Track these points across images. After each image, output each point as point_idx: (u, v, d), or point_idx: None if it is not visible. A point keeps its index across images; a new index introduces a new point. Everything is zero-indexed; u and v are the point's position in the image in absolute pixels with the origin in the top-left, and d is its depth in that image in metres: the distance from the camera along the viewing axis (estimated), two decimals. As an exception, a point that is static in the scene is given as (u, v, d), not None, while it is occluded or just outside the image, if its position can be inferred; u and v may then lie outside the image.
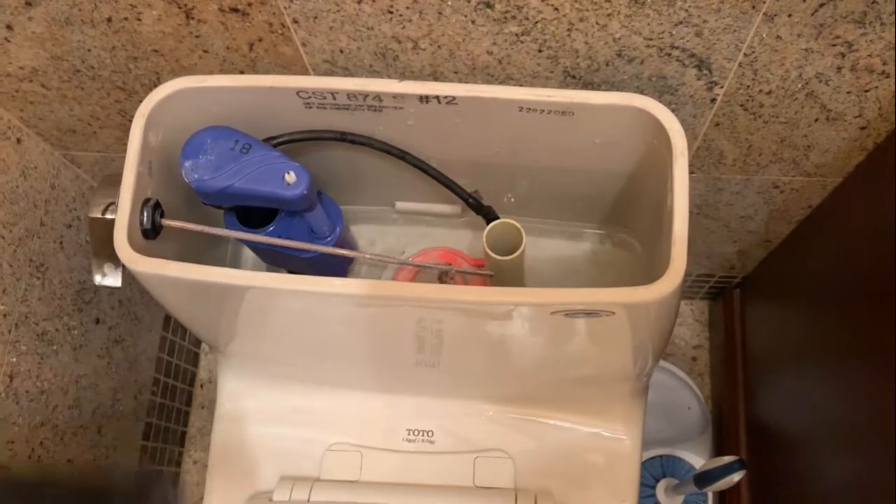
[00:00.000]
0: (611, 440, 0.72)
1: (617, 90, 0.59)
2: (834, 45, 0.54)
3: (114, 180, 0.56)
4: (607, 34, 0.54)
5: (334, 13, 0.54)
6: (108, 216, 0.57)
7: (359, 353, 0.69)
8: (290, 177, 0.56)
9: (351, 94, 0.56)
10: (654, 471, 0.92)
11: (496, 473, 0.72)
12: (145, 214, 0.55)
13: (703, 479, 0.70)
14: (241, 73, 0.62)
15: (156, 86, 0.56)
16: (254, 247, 0.66)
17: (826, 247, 0.80)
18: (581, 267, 0.75)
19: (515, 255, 0.60)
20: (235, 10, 0.55)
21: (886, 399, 0.62)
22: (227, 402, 0.76)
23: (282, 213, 0.63)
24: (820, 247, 0.82)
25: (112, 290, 0.86)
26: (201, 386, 1.16)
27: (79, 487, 0.87)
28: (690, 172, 0.74)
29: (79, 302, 0.85)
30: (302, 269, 0.66)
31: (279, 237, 0.60)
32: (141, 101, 0.55)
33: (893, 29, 0.52)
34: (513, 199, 0.67)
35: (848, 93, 0.59)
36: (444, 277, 0.70)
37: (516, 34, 0.55)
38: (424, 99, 0.55)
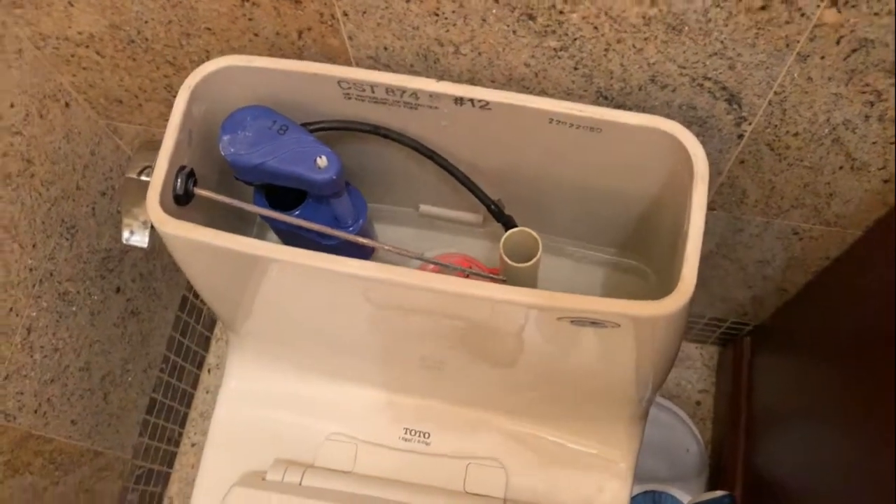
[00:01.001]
0: (606, 463, 0.73)
1: (647, 115, 0.61)
2: (863, 93, 0.55)
3: (153, 146, 0.58)
4: (643, 58, 0.56)
5: (383, 10, 0.56)
6: (144, 178, 0.59)
7: (368, 346, 0.70)
8: (322, 161, 0.58)
9: (389, 89, 0.58)
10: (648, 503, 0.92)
11: (487, 482, 0.73)
12: (179, 180, 0.57)
13: (694, 511, 0.71)
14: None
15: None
16: (278, 228, 0.68)
17: (840, 303, 0.81)
18: (592, 290, 0.76)
19: (531, 262, 0.61)
20: (290, -3, 0.57)
21: (887, 463, 0.62)
22: (233, 380, 0.77)
23: (309, 199, 0.65)
24: (834, 302, 0.82)
25: (138, 250, 0.88)
26: (209, 371, 1.18)
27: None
28: (711, 209, 0.75)
29: (102, 269, 0.87)
30: (322, 256, 0.68)
31: (305, 221, 0.62)
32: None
33: (923, 82, 0.53)
34: (532, 212, 0.68)
35: (874, 143, 0.60)
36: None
37: (555, 49, 0.57)
38: (459, 101, 0.57)
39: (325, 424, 0.76)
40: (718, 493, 0.69)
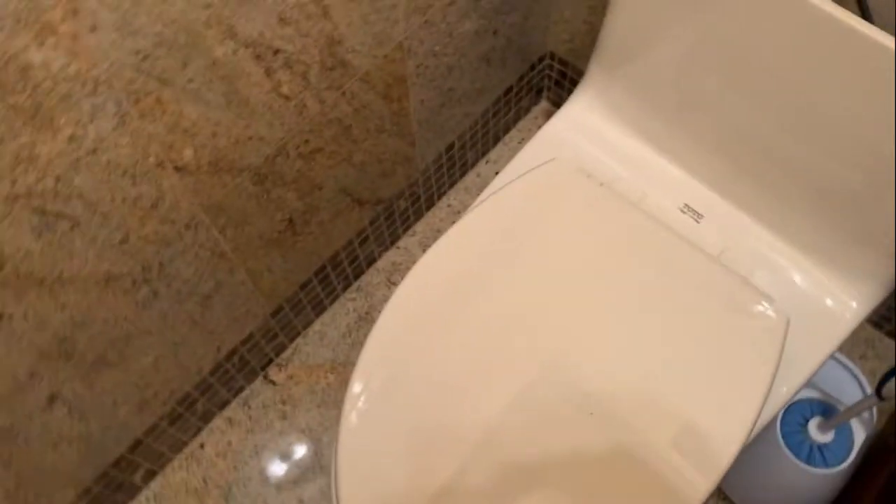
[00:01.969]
0: (838, 298, 0.83)
1: None
2: None
3: None
4: None
5: None
6: None
7: (701, 119, 0.85)
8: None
9: None
10: (815, 410, 1.00)
11: (736, 265, 0.85)
12: None
13: (889, 373, 0.79)
14: None
15: None
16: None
17: None
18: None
19: None
20: None
21: None
22: (577, 104, 0.95)
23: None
24: None
25: None
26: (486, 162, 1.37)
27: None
28: None
29: (499, 8, 1.08)
30: None
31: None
32: None
33: None
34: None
35: None
36: None
37: None
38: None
39: (627, 173, 0.92)
40: None
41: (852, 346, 1.23)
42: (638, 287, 0.82)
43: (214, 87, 0.74)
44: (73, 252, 0.73)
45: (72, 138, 0.64)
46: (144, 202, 0.76)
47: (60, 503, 0.98)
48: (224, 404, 1.19)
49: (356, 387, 0.76)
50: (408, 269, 0.81)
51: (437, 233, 1.31)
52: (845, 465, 0.97)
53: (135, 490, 1.13)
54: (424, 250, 0.82)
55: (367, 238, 1.21)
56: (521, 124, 1.41)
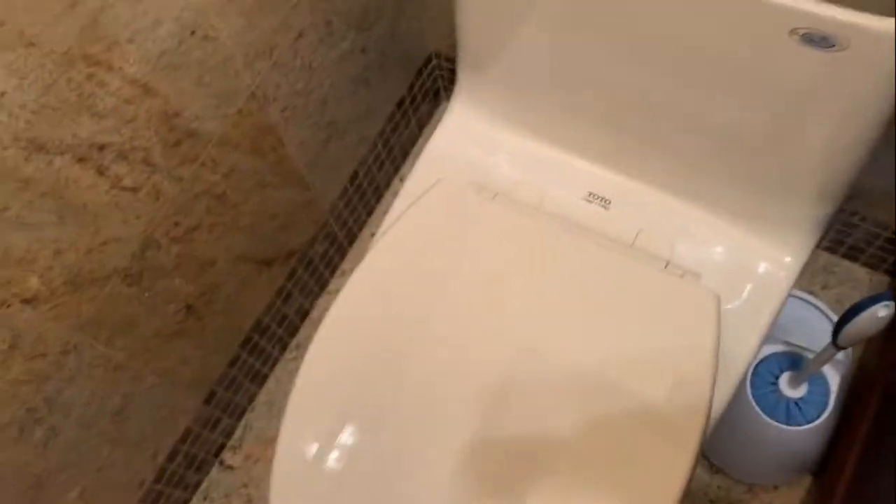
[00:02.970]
0: (770, 257, 0.77)
1: None
2: None
3: None
4: None
5: None
6: None
7: (583, 100, 0.78)
8: None
9: None
10: (784, 365, 0.94)
11: (655, 247, 0.79)
12: None
13: (845, 319, 0.73)
14: None
15: None
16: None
17: None
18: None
19: None
20: None
21: None
22: (454, 116, 0.88)
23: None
24: None
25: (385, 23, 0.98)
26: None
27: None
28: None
29: (359, 23, 1.00)
30: None
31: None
32: None
33: None
34: None
35: None
36: None
37: None
38: None
39: (522, 174, 0.85)
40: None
41: (812, 278, 1.17)
42: (559, 295, 0.75)
43: (37, 206, 0.66)
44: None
45: None
46: (1, 346, 0.69)
47: None
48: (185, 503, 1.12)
49: (282, 463, 0.69)
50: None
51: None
52: (822, 417, 0.91)
53: None
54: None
55: (290, 294, 1.14)
56: (427, 131, 1.34)
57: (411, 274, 0.77)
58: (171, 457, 1.03)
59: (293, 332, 1.20)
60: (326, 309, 0.76)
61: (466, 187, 0.80)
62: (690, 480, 0.66)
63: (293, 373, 1.16)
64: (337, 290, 1.22)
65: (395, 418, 0.71)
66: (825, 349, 0.81)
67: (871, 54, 0.57)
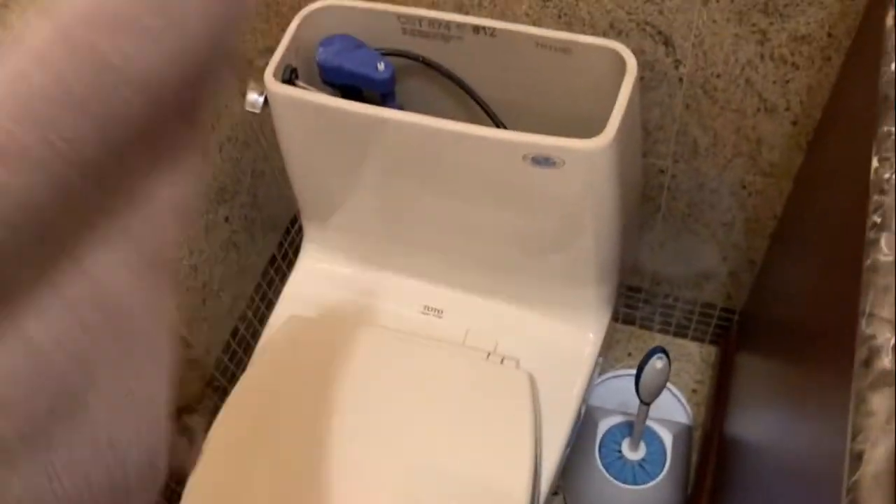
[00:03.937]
0: (574, 336, 0.93)
1: (610, 57, 0.86)
2: (753, 33, 0.79)
3: (272, 50, 0.88)
4: (601, 6, 0.82)
5: (432, -30, 0.86)
6: (264, 64, 0.88)
7: (410, 234, 0.94)
8: (381, 66, 0.86)
9: (431, 22, 0.86)
10: (626, 433, 1.08)
11: (481, 342, 0.93)
12: (286, 71, 0.86)
13: (636, 380, 0.88)
14: (369, 16, 0.94)
15: (314, 1, 0.89)
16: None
17: (786, 271, 0.97)
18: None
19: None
20: (373, -38, 0.88)
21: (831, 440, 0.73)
22: (306, 259, 1.03)
23: (372, 112, 0.92)
24: (781, 272, 0.99)
25: (245, 196, 1.14)
26: (283, 326, 1.42)
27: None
28: (675, 161, 0.98)
29: (218, 198, 1.16)
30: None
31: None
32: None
33: (792, 20, 0.77)
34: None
35: (774, 82, 0.83)
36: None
37: (543, 0, 0.84)
38: (476, 29, 0.84)
39: (367, 299, 1.00)
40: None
41: (653, 358, 1.33)
42: (396, 393, 0.88)
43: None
44: None
45: None
46: None
47: None
48: None
49: None
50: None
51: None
52: (661, 474, 1.04)
53: None
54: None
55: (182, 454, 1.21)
56: (302, 282, 1.48)
57: (268, 403, 0.88)
58: None
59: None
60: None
61: (313, 318, 0.94)
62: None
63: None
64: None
65: None
66: (638, 408, 0.95)
67: (580, 165, 0.76)
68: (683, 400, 1.22)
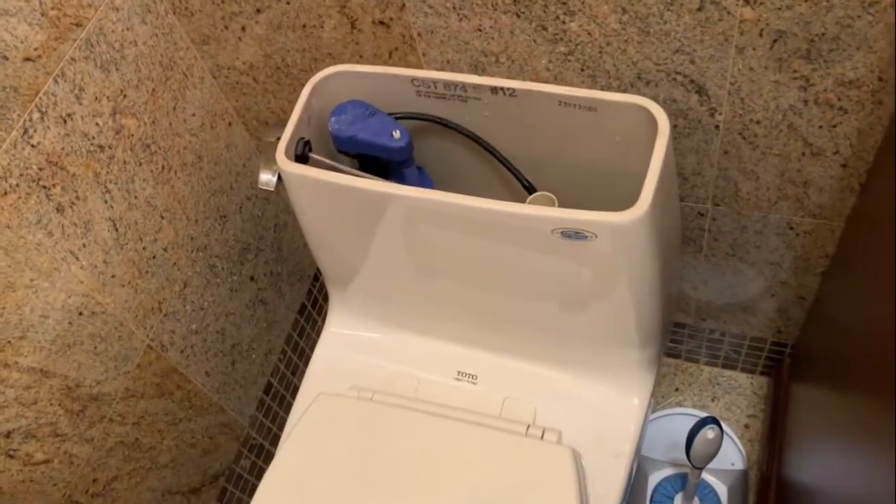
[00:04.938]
0: (618, 402, 0.88)
1: (639, 108, 0.81)
2: (795, 79, 0.73)
3: (284, 123, 0.84)
4: (627, 58, 0.77)
5: (444, 29, 0.81)
6: (275, 140, 0.84)
7: (438, 298, 0.90)
8: (396, 134, 0.82)
9: (447, 84, 0.81)
10: (678, 486, 1.03)
11: (519, 412, 0.89)
12: (299, 144, 0.82)
13: (687, 447, 0.83)
14: (382, 75, 0.89)
15: (324, 73, 0.85)
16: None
17: (841, 308, 0.91)
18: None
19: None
20: (382, 23, 0.83)
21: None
22: (332, 326, 0.99)
23: (391, 176, 0.88)
24: (836, 309, 0.93)
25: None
26: (317, 374, 1.39)
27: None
28: (715, 205, 0.92)
29: (242, 257, 1.14)
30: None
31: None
32: (313, 82, 0.84)
33: (837, 65, 0.70)
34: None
35: (820, 127, 0.77)
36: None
37: (564, 54, 0.79)
38: (494, 90, 0.79)
39: (397, 366, 0.96)
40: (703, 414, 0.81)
41: (701, 392, 1.27)
42: (434, 476, 0.84)
43: (-47, 501, 0.74)
44: None
45: None
46: None
47: None
48: None
49: None
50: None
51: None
52: (716, 529, 0.99)
53: None
54: None
55: (223, 512, 1.20)
56: (335, 326, 1.45)
57: (297, 494, 0.85)
58: None
59: (236, 547, 1.25)
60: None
61: (344, 396, 0.90)
62: None
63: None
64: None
65: None
66: (690, 471, 0.90)
67: (613, 238, 0.70)
68: (738, 442, 1.16)
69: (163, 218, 0.96)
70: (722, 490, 1.02)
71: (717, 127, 0.81)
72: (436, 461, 0.84)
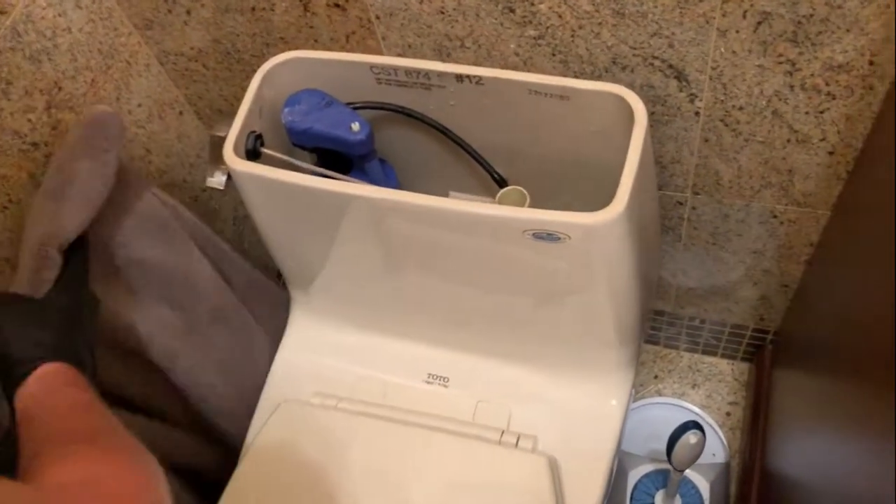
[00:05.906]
0: (596, 404, 0.84)
1: (615, 94, 0.75)
2: (780, 63, 0.68)
3: (233, 115, 0.78)
4: (601, 42, 0.71)
5: (404, 11, 0.75)
6: (223, 135, 0.78)
7: (402, 296, 0.85)
8: (355, 126, 0.76)
9: (409, 71, 0.75)
10: (658, 483, 0.99)
11: (493, 416, 0.85)
12: (250, 140, 0.76)
13: (668, 449, 0.79)
14: (339, 61, 0.83)
15: (279, 68, 0.78)
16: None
17: (827, 296, 0.88)
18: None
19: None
20: (337, 6, 0.77)
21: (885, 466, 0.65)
22: (293, 329, 0.94)
23: (353, 171, 0.82)
24: (822, 297, 0.89)
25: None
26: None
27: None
28: (695, 193, 0.88)
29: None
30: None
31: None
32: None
33: (825, 49, 0.65)
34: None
35: (806, 113, 0.72)
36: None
37: (534, 38, 0.73)
38: (460, 78, 0.74)
39: (364, 370, 0.91)
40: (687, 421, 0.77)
41: (681, 379, 1.24)
42: (403, 496, 0.79)
43: None
44: None
45: None
46: None
47: None
48: None
49: None
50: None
51: None
52: (698, 525, 0.96)
53: None
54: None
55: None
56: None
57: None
58: None
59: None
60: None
61: (308, 404, 0.85)
62: None
63: None
64: None
65: None
66: (671, 472, 0.86)
67: (588, 240, 0.66)
68: (720, 432, 1.13)
69: (109, 217, 0.89)
70: (704, 486, 0.99)
71: (697, 114, 0.76)
72: (404, 474, 0.80)
